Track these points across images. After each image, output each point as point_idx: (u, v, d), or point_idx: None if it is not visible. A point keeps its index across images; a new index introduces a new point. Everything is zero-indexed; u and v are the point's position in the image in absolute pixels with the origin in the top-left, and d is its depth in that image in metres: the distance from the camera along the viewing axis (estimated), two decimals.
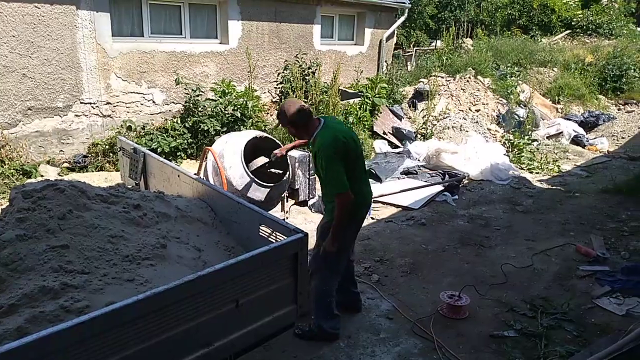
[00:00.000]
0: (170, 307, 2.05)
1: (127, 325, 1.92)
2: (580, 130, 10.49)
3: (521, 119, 10.03)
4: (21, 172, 6.37)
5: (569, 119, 11.15)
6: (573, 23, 19.16)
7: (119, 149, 4.66)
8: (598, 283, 4.49)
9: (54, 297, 2.08)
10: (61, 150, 7.11)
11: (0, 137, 6.47)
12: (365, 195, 3.44)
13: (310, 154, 3.28)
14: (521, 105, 10.83)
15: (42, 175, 6.40)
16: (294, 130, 3.30)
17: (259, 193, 5.24)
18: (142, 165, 4.10)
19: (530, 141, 9.12)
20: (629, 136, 10.33)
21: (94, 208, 2.69)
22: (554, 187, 7.42)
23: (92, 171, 6.89)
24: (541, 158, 8.69)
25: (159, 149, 7.02)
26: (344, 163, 3.13)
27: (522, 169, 8.35)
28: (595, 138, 10.42)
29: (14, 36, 6.36)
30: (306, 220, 5.88)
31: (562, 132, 10.24)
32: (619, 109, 12.77)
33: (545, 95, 12.71)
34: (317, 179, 3.60)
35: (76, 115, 7.17)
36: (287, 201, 6.06)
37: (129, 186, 3.54)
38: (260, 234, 2.92)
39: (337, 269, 3.51)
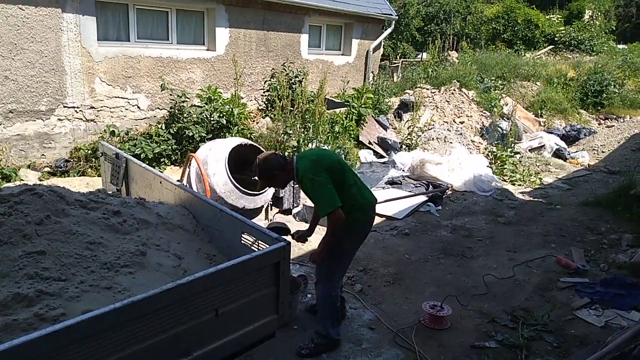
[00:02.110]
0: (148, 315, 2.02)
1: (104, 333, 1.89)
2: (562, 144, 10.66)
3: (504, 132, 10.16)
4: (0, 176, 6.24)
5: (551, 133, 11.34)
6: (556, 39, 19.59)
7: (101, 154, 4.60)
8: (578, 295, 4.55)
9: (29, 304, 2.03)
10: (43, 155, 7.00)
11: None
12: (363, 204, 3.44)
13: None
14: (504, 118, 10.98)
15: (22, 180, 6.28)
16: (279, 175, 3.32)
17: (242, 201, 5.21)
18: (123, 171, 4.05)
19: (513, 153, 9.24)
20: (609, 150, 10.52)
21: (73, 214, 2.64)
22: (535, 199, 7.52)
23: (74, 176, 6.78)
24: (523, 170, 8.81)
25: (142, 155, 6.94)
26: (329, 177, 3.17)
27: (504, 180, 8.45)
28: (576, 152, 10.60)
29: None
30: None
31: (544, 145, 10.40)
32: (599, 124, 13.03)
33: (528, 108, 12.91)
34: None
35: (59, 119, 7.07)
36: (271, 209, 6.04)
37: (110, 192, 3.49)
38: (243, 242, 2.90)
39: (342, 274, 3.64)
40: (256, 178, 3.46)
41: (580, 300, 4.43)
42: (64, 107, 7.08)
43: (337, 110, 9.46)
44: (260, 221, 5.63)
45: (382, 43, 13.17)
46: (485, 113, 10.98)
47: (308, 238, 3.89)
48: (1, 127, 6.56)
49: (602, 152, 10.54)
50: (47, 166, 6.94)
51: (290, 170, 3.30)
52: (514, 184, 8.35)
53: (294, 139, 7.73)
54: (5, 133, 6.60)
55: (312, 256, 3.55)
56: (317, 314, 3.72)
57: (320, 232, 5.56)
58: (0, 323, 1.91)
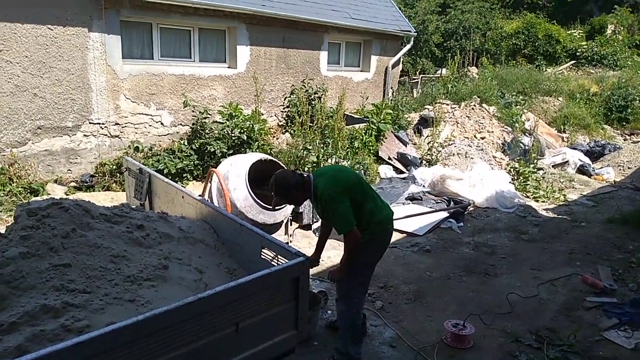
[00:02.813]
0: (170, 328, 2.04)
1: (126, 346, 1.91)
2: (586, 160, 10.46)
3: (526, 147, 10.03)
4: (29, 190, 6.41)
5: (575, 148, 11.14)
6: (578, 54, 19.37)
7: (125, 169, 4.69)
8: (606, 315, 4.41)
9: (55, 315, 2.07)
10: (69, 170, 7.16)
11: (10, 156, 6.54)
12: (384, 217, 3.44)
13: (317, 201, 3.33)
14: (526, 133, 10.85)
15: (49, 194, 6.43)
16: (297, 194, 3.28)
17: (262, 216, 5.23)
18: (147, 186, 4.12)
19: (535, 169, 9.10)
20: (635, 166, 10.28)
21: (98, 227, 2.69)
22: (559, 216, 7.37)
23: (99, 191, 6.92)
24: (547, 187, 8.66)
25: (165, 170, 7.05)
26: (349, 197, 3.17)
27: (527, 197, 8.31)
28: (601, 168, 10.39)
29: (26, 56, 6.49)
30: (310, 245, 5.84)
31: (567, 161, 10.22)
32: (624, 139, 12.77)
33: (550, 124, 12.74)
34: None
35: (85, 135, 7.25)
36: (290, 224, 6.05)
37: (134, 206, 3.55)
38: (262, 256, 2.91)
39: (364, 291, 3.57)
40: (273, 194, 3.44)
41: (608, 321, 4.29)
42: (90, 123, 7.26)
43: (357, 125, 9.49)
44: (279, 236, 5.64)
45: (401, 59, 13.21)
46: (506, 128, 10.87)
47: (320, 261, 3.83)
48: (30, 143, 6.75)
49: (628, 168, 10.31)
50: (73, 181, 7.10)
51: (307, 188, 3.27)
52: (537, 201, 8.20)
53: (313, 154, 7.76)
54: (33, 149, 6.79)
55: (331, 274, 3.54)
56: (337, 330, 3.69)
57: (337, 247, 5.56)
58: (28, 333, 1.95)
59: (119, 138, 7.61)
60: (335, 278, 3.47)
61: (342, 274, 3.39)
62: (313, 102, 9.63)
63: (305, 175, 3.32)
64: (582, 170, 10.16)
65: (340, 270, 3.40)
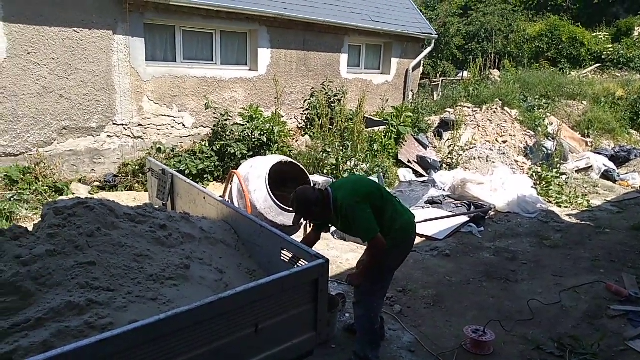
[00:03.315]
0: (191, 328, 2.06)
1: (148, 344, 1.93)
2: (611, 165, 10.24)
3: (549, 152, 9.87)
4: (54, 189, 6.56)
5: (599, 153, 10.91)
6: (603, 57, 18.97)
7: (148, 170, 4.77)
8: (631, 324, 4.31)
9: (80, 313, 2.11)
10: (93, 169, 7.31)
11: (36, 155, 6.70)
12: (406, 222, 3.43)
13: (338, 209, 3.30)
14: (549, 137, 10.67)
15: (73, 193, 6.57)
16: (318, 210, 3.24)
17: (282, 217, 5.25)
18: (169, 187, 4.17)
19: (558, 174, 8.94)
20: None
21: (122, 227, 2.74)
22: (583, 222, 7.22)
23: (122, 190, 7.04)
24: (570, 192, 8.50)
25: (187, 171, 7.15)
26: (369, 204, 3.16)
27: (550, 202, 8.17)
28: (627, 173, 10.16)
29: (53, 59, 6.65)
30: (328, 247, 5.85)
31: (591, 166, 10.02)
32: None
33: (574, 128, 12.51)
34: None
35: (108, 136, 7.39)
36: (309, 226, 6.05)
37: (157, 206, 3.60)
38: (282, 258, 2.92)
39: (383, 295, 3.58)
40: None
41: (633, 330, 4.19)
42: (114, 124, 7.40)
43: (376, 128, 9.47)
44: (298, 238, 5.64)
45: (422, 62, 13.14)
46: (529, 132, 10.71)
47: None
48: (55, 143, 6.91)
49: None
50: (97, 181, 7.24)
51: (327, 203, 3.24)
52: (560, 206, 8.06)
53: (332, 156, 7.77)
54: (59, 149, 6.95)
55: (349, 278, 3.51)
56: (355, 333, 3.68)
57: (356, 250, 5.54)
58: (53, 329, 1.99)
59: (142, 139, 7.73)
60: (354, 283, 3.46)
61: (362, 278, 3.38)
62: (333, 105, 9.65)
63: (324, 190, 3.31)
64: (606, 175, 9.95)
65: (359, 275, 3.40)
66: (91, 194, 6.76)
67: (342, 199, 3.18)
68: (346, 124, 8.64)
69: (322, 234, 6.20)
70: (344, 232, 3.54)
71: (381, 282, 3.46)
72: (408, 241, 3.49)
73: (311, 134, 8.92)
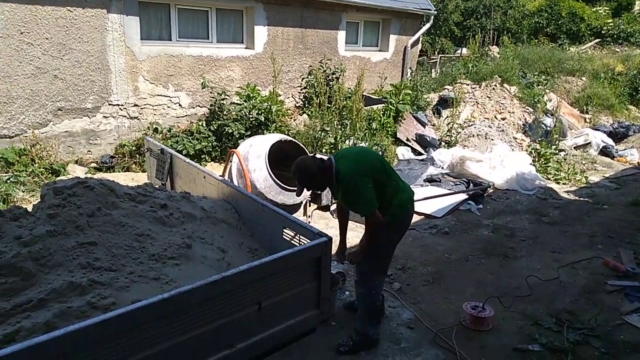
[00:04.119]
0: (194, 307, 2.06)
1: (151, 323, 1.94)
2: (609, 141, 10.23)
3: (548, 129, 9.83)
4: (50, 171, 6.52)
5: (598, 129, 10.88)
6: (603, 32, 18.78)
7: (146, 150, 4.73)
8: (627, 299, 4.35)
9: (82, 293, 2.11)
10: (89, 151, 7.26)
11: (32, 137, 6.64)
12: (405, 199, 3.40)
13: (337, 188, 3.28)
14: (548, 114, 10.63)
15: (70, 175, 6.54)
16: (320, 179, 3.20)
17: (282, 196, 5.25)
18: (168, 166, 4.15)
19: (557, 151, 8.93)
20: None
21: (122, 206, 2.73)
22: (581, 199, 7.25)
23: (119, 171, 7.01)
24: (568, 169, 8.50)
25: (184, 151, 7.10)
26: (371, 179, 3.11)
27: (548, 179, 8.18)
28: (625, 149, 10.15)
29: (47, 38, 6.53)
30: (327, 226, 5.86)
31: (590, 142, 10.01)
32: None
33: (573, 104, 12.45)
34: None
35: (104, 117, 7.32)
36: (309, 205, 6.06)
37: (156, 186, 3.59)
38: (284, 236, 2.92)
39: (384, 273, 3.61)
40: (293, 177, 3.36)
41: (630, 305, 4.24)
42: (109, 104, 7.32)
43: (375, 106, 9.40)
44: (298, 217, 5.66)
45: (420, 39, 12.98)
46: (528, 109, 10.66)
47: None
48: (51, 124, 6.84)
49: None
50: (93, 162, 7.20)
51: (329, 173, 3.17)
52: (558, 183, 8.07)
53: (331, 135, 7.73)
54: (54, 130, 6.89)
55: (349, 256, 3.51)
56: (356, 311, 3.71)
57: (355, 229, 5.56)
58: (56, 310, 1.99)
59: (138, 119, 7.66)
60: (354, 260, 3.47)
61: (361, 256, 3.38)
62: (331, 83, 9.56)
63: (326, 159, 3.24)
64: (604, 151, 9.95)
65: (359, 253, 3.40)
66: (88, 175, 6.73)
67: (344, 171, 3.12)
68: (344, 103, 8.57)
69: (322, 213, 6.24)
70: (343, 204, 3.50)
71: (381, 259, 3.47)
72: (406, 218, 3.47)
73: (309, 112, 8.86)
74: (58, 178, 6.28)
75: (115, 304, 2.10)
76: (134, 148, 7.30)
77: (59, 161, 6.82)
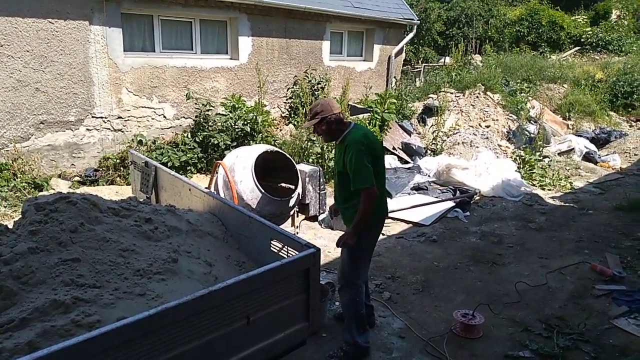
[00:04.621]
0: (181, 322, 2.02)
1: (137, 340, 1.89)
2: (592, 147, 10.39)
3: (532, 135, 9.96)
4: (33, 186, 6.40)
5: (580, 136, 11.06)
6: (582, 40, 19.17)
7: (130, 163, 4.67)
8: (615, 303, 4.39)
9: (65, 311, 2.05)
10: (72, 164, 7.15)
11: (13, 151, 6.52)
12: (383, 204, 3.49)
13: (335, 157, 3.40)
14: (531, 121, 10.77)
15: (53, 189, 6.42)
16: (333, 124, 3.28)
17: (269, 207, 5.21)
18: (153, 179, 4.09)
19: (541, 157, 9.04)
20: None
21: (106, 221, 2.67)
22: (566, 204, 7.32)
23: (103, 185, 6.91)
24: (553, 174, 8.60)
25: (169, 163, 7.04)
26: (371, 160, 3.18)
27: (533, 185, 8.26)
28: (607, 155, 10.32)
29: (28, 51, 6.45)
30: (316, 236, 5.83)
31: (573, 148, 10.15)
32: (630, 126, 12.68)
33: (555, 111, 12.65)
34: (334, 187, 3.61)
35: (87, 129, 7.22)
36: (297, 216, 6.02)
37: (141, 200, 3.53)
38: (272, 248, 2.89)
39: (365, 276, 3.59)
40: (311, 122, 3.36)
41: (617, 309, 4.27)
42: (93, 117, 7.23)
43: (360, 116, 9.43)
44: (286, 227, 5.62)
45: (404, 48, 13.10)
46: (511, 116, 10.79)
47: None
48: (33, 138, 6.73)
49: (635, 155, 10.23)
50: (77, 175, 7.09)
51: (342, 127, 3.31)
52: (543, 189, 8.15)
53: (317, 145, 7.73)
54: (36, 143, 6.78)
55: (342, 239, 3.31)
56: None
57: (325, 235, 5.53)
58: (39, 329, 1.93)
59: (122, 132, 7.58)
60: (349, 241, 3.26)
61: (355, 236, 3.23)
62: (316, 93, 9.58)
63: (346, 119, 3.37)
64: (588, 157, 10.10)
65: (352, 234, 3.24)
66: (72, 189, 6.62)
67: (354, 139, 3.21)
68: None
69: (310, 223, 6.21)
70: (336, 174, 3.48)
71: (362, 263, 3.47)
72: (381, 224, 3.53)
73: (295, 122, 8.86)
74: (40, 193, 6.16)
75: (100, 322, 2.04)
76: (118, 161, 7.21)
77: (42, 175, 6.70)
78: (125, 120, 7.59)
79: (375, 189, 3.15)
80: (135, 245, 2.58)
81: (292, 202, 5.51)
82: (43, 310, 2.03)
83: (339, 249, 5.31)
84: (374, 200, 3.16)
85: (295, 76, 9.92)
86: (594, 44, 18.73)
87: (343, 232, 3.40)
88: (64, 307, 2.06)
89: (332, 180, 7.34)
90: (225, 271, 2.76)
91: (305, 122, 3.36)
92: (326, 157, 7.65)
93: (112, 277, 2.32)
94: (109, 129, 7.43)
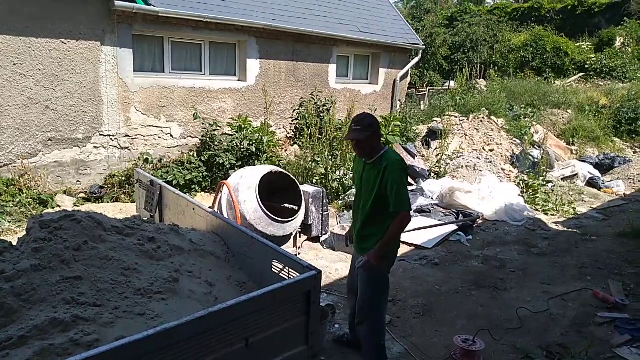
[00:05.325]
0: (180, 343, 2.02)
1: None
2: (596, 173, 10.38)
3: (535, 160, 9.97)
4: (38, 201, 6.46)
5: (584, 161, 11.06)
6: (586, 66, 19.30)
7: (136, 181, 4.72)
8: (617, 331, 4.34)
9: (65, 329, 2.07)
10: (78, 181, 7.22)
11: (20, 166, 6.61)
12: None
13: (366, 174, 3.27)
14: (535, 146, 10.79)
15: (58, 205, 6.48)
16: (375, 138, 3.18)
17: (272, 228, 5.23)
18: (158, 198, 4.14)
19: (545, 182, 9.03)
20: None
21: (109, 240, 2.70)
22: (569, 230, 7.30)
23: (108, 202, 6.96)
24: (556, 200, 8.59)
25: (174, 182, 7.09)
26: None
27: (537, 210, 8.24)
28: (611, 181, 10.29)
29: (40, 70, 6.59)
30: (317, 257, 5.83)
31: (577, 173, 10.14)
32: (634, 152, 12.66)
33: (559, 136, 12.67)
34: (358, 211, 3.40)
35: (95, 147, 7.32)
36: (299, 237, 6.04)
37: (145, 218, 3.57)
38: (273, 269, 2.90)
39: (385, 307, 3.51)
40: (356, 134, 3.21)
41: (620, 337, 4.22)
42: (100, 135, 7.33)
43: None
44: (288, 248, 5.63)
45: (409, 72, 13.25)
46: (515, 141, 10.83)
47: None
48: (40, 155, 6.83)
49: (639, 181, 10.20)
50: (82, 192, 7.15)
51: (381, 149, 3.22)
52: (546, 214, 8.13)
53: (321, 166, 7.78)
54: (44, 160, 6.86)
55: (368, 259, 3.16)
56: (347, 345, 3.66)
57: (345, 260, 5.54)
58: (37, 347, 1.95)
59: (129, 150, 7.67)
60: (377, 262, 3.16)
61: (381, 255, 3.18)
62: (322, 115, 9.68)
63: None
64: (591, 183, 10.08)
65: (378, 252, 3.16)
66: (76, 205, 6.68)
67: (392, 158, 3.15)
68: (335, 134, 8.66)
69: (312, 244, 6.21)
70: (364, 197, 3.33)
71: (385, 292, 3.40)
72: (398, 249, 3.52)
73: (300, 143, 8.93)
74: (46, 210, 6.22)
75: (98, 341, 2.05)
76: (123, 178, 7.28)
77: (48, 191, 6.77)
78: (132, 139, 7.69)
79: (410, 215, 3.15)
80: (137, 264, 2.60)
81: (295, 223, 5.54)
82: (42, 329, 2.04)
83: (341, 271, 5.34)
84: (408, 223, 3.16)
85: (302, 98, 10.04)
86: (598, 70, 18.84)
87: (351, 253, 3.33)
88: (63, 326, 2.08)
89: (336, 202, 7.39)
90: (226, 292, 2.77)
91: (352, 132, 3.15)
92: (330, 177, 7.70)
93: (112, 296, 2.34)
94: (116, 146, 7.52)
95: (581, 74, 19.06)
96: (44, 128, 6.78)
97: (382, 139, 3.33)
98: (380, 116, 10.39)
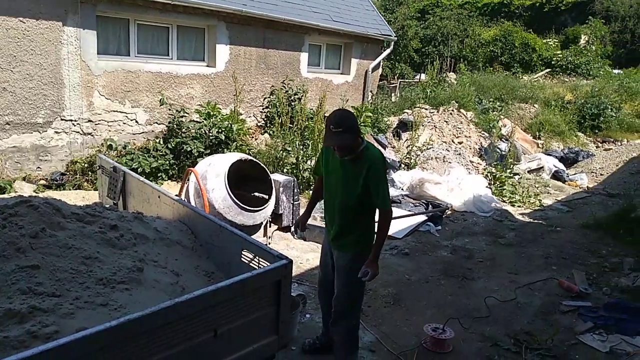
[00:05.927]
0: (145, 334, 1.93)
1: (97, 353, 1.80)
2: (561, 166, 10.67)
3: (503, 153, 10.16)
4: None
5: (550, 155, 11.36)
6: (553, 62, 19.80)
7: (98, 167, 4.53)
8: (581, 319, 4.46)
9: (21, 321, 1.94)
10: (38, 167, 6.91)
11: None
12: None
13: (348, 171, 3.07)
14: (503, 139, 11.00)
15: (16, 192, 6.18)
16: (352, 138, 2.90)
17: (241, 217, 5.13)
18: (121, 185, 3.98)
19: (512, 174, 9.22)
20: (607, 173, 10.53)
21: (69, 227, 2.56)
22: (535, 221, 7.47)
23: (70, 189, 6.69)
24: (523, 192, 8.78)
25: (139, 169, 6.87)
26: None
27: (504, 201, 8.41)
28: (575, 174, 10.60)
29: None
30: (288, 247, 5.77)
31: (543, 166, 10.40)
32: (597, 147, 13.08)
33: (526, 130, 12.96)
34: (332, 210, 3.24)
35: (56, 132, 7.01)
36: (269, 226, 5.95)
37: (107, 206, 3.41)
38: (242, 259, 2.82)
39: (362, 299, 3.45)
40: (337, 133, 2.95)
41: (583, 325, 4.34)
42: (62, 120, 7.02)
43: None
44: (258, 238, 5.54)
45: (381, 63, 13.25)
46: (483, 134, 11.00)
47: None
48: None
49: (601, 174, 10.55)
50: (43, 179, 6.85)
51: (359, 140, 2.99)
52: (513, 205, 8.30)
53: (292, 155, 7.69)
54: (1, 145, 6.53)
55: (368, 269, 3.04)
56: (320, 349, 3.62)
57: (316, 250, 5.50)
58: None
59: (92, 136, 7.38)
60: (376, 271, 3.07)
61: (376, 262, 3.11)
62: (293, 104, 9.56)
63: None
64: (556, 176, 10.36)
65: (374, 259, 3.08)
66: (36, 192, 6.38)
67: (374, 155, 3.01)
68: (306, 123, 8.57)
69: (282, 234, 6.14)
70: (328, 185, 3.22)
71: (362, 287, 3.33)
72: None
73: (271, 132, 8.81)
74: (2, 196, 5.92)
75: (58, 333, 1.93)
76: (86, 165, 7.01)
77: (5, 178, 6.45)
78: (95, 124, 7.40)
79: (392, 212, 3.11)
80: (99, 252, 2.47)
81: (265, 212, 5.45)
82: None
83: (312, 260, 5.29)
84: (391, 220, 3.10)
85: (273, 86, 9.89)
86: (564, 66, 19.37)
87: (353, 259, 3.18)
88: (19, 317, 1.95)
89: (307, 191, 7.33)
90: (193, 282, 2.67)
91: (333, 136, 2.89)
92: (301, 167, 7.62)
93: (73, 286, 2.21)
94: (78, 132, 7.23)
95: (548, 70, 19.56)
96: (1, 111, 6.44)
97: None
98: (352, 107, 10.37)
